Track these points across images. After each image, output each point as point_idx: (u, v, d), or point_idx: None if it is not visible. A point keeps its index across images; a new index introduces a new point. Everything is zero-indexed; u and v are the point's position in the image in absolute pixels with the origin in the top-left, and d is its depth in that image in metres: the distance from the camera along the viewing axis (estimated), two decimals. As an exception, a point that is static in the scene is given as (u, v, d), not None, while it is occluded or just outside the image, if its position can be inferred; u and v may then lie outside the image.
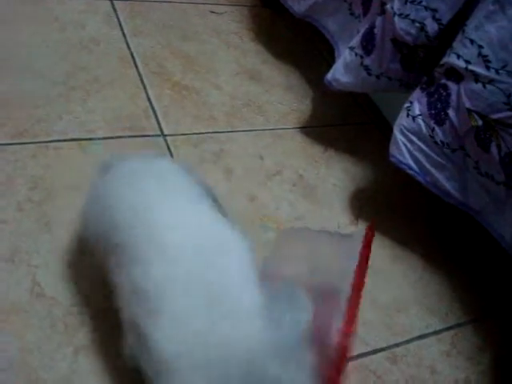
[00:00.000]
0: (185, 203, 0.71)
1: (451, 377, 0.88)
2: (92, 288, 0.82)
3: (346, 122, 1.31)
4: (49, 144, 1.00)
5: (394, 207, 1.12)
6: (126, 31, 1.32)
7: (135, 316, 0.63)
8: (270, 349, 0.60)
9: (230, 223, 0.71)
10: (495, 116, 0.81)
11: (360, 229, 0.80)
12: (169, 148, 1.07)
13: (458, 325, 0.95)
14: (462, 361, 0.90)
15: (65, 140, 1.02)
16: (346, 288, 0.69)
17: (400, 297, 0.96)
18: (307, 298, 0.66)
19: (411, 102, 0.94)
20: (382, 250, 1.02)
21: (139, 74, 1.22)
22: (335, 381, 0.62)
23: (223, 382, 0.58)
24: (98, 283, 0.81)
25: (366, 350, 0.87)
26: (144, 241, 0.65)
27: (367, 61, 1.02)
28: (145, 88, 1.19)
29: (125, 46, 1.28)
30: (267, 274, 0.73)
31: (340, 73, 1.07)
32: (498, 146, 0.83)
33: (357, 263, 0.73)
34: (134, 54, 1.26)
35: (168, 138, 1.10)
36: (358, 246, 0.77)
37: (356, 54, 1.04)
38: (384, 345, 0.89)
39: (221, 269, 0.65)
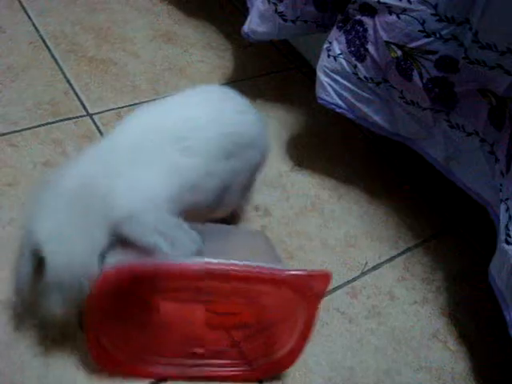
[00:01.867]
0: None
1: (410, 299, 0.92)
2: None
3: (271, 71, 1.31)
4: (-28, 145, 0.97)
5: (331, 148, 1.14)
6: (30, 13, 1.26)
7: None
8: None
9: None
10: (413, 44, 0.83)
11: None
12: (97, 127, 1.05)
13: (409, 249, 0.99)
14: (417, 283, 0.95)
15: (-12, 137, 0.98)
16: None
17: (349, 233, 0.99)
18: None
19: (330, 42, 0.95)
20: (326, 191, 1.05)
21: (52, 56, 1.17)
22: None
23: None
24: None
25: (327, 290, 0.89)
26: None
27: (281, 7, 1.02)
28: (61, 69, 1.15)
29: (32, 28, 1.23)
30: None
31: (256, 23, 1.06)
32: (420, 74, 0.85)
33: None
34: (44, 36, 1.22)
35: (94, 116, 1.07)
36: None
37: (269, 2, 1.03)
38: (342, 281, 0.92)
39: None
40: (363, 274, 0.93)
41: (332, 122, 1.17)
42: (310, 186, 1.04)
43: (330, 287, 0.90)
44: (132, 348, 0.71)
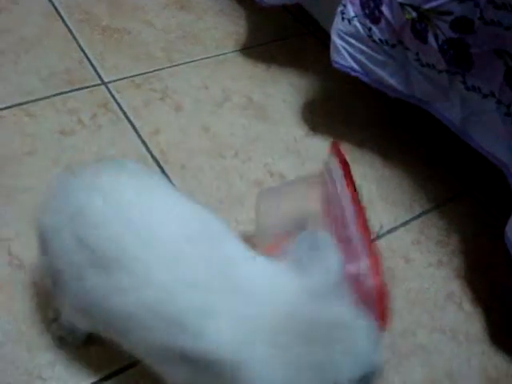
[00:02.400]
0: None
1: (424, 262, 0.93)
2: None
3: (284, 37, 1.30)
4: (-10, 115, 0.98)
5: (346, 112, 1.14)
6: (42, -17, 1.26)
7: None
8: (306, 295, 0.59)
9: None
10: (428, 6, 0.82)
11: (329, 161, 0.78)
12: (112, 95, 1.06)
13: (424, 212, 1.00)
14: (432, 245, 0.95)
15: (5, 108, 1.00)
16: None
17: (365, 197, 0.99)
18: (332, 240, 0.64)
19: (344, 6, 0.94)
20: (341, 156, 1.05)
21: (66, 26, 1.18)
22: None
23: (271, 338, 0.57)
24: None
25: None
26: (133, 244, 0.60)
27: (294, -30, 1.01)
28: (75, 38, 1.16)
29: (45, -2, 1.23)
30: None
31: (269, -13, 1.06)
32: (435, 35, 0.84)
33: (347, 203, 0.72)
34: (57, 6, 1.22)
35: (109, 84, 1.08)
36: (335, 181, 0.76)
37: (281, -35, 1.02)
38: (358, 244, 0.93)
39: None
40: (379, 237, 0.94)
41: (346, 87, 1.17)
42: (324, 151, 1.04)
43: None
44: None
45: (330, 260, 0.62)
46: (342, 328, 0.58)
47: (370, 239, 0.69)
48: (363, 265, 0.67)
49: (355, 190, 0.73)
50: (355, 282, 0.67)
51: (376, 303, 0.65)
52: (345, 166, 0.75)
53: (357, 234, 0.70)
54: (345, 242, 0.69)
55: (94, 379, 0.71)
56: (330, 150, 0.79)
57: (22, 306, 0.76)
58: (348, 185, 0.73)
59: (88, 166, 0.67)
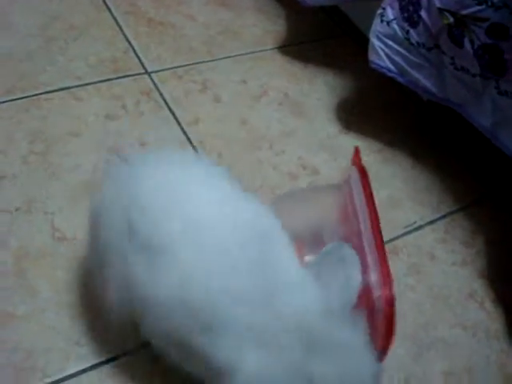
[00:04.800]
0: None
1: (449, 260, 0.95)
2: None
3: (321, 37, 1.34)
4: (39, 96, 1.03)
5: (379, 113, 1.17)
6: (91, -26, 1.32)
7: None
8: (325, 314, 0.60)
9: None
10: (465, 12, 0.84)
11: (350, 171, 0.80)
12: (155, 84, 1.10)
13: (450, 213, 1.02)
14: (457, 245, 0.98)
15: (54, 90, 1.04)
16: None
17: (393, 195, 1.03)
18: (355, 254, 0.65)
19: (384, 8, 0.97)
20: (372, 154, 1.08)
21: (113, 16, 1.23)
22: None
23: (287, 354, 0.59)
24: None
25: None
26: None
27: (336, -27, 1.05)
28: (121, 29, 1.20)
29: (93, -12, 1.28)
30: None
31: (311, -12, 1.09)
32: (471, 41, 0.87)
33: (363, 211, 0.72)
34: (104, -4, 1.27)
35: (152, 74, 1.13)
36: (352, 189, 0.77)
37: (324, -32, 1.06)
38: (385, 239, 0.95)
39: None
40: (405, 234, 0.97)
41: (379, 88, 1.20)
42: (356, 148, 1.08)
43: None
44: None
45: (353, 279, 0.63)
46: (345, 351, 0.60)
47: (382, 247, 0.68)
48: (373, 276, 0.66)
49: (371, 197, 0.73)
50: (363, 293, 0.66)
51: (383, 318, 0.64)
52: (363, 173, 0.75)
53: (368, 241, 0.69)
54: (357, 250, 0.69)
55: (130, 347, 0.75)
56: (353, 158, 0.79)
57: (63, 276, 0.80)
58: (364, 191, 0.73)
59: (140, 154, 0.70)
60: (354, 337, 0.61)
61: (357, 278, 0.63)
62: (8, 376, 0.70)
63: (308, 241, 0.76)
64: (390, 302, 0.63)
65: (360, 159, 0.77)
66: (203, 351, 0.59)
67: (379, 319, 0.64)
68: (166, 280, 0.59)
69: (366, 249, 0.69)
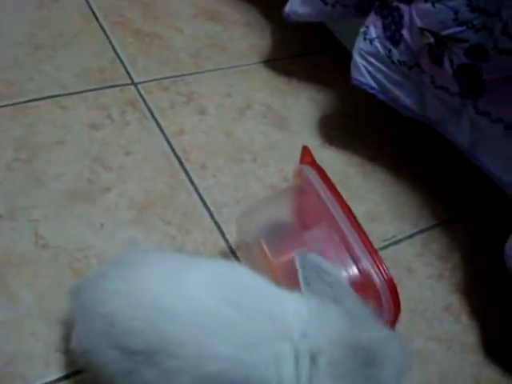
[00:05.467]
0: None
1: (426, 274, 0.97)
2: (91, 230, 0.88)
3: (306, 53, 1.36)
4: (26, 104, 1.04)
5: (360, 128, 1.19)
6: (79, -16, 1.33)
7: None
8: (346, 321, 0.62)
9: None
10: (445, 32, 0.87)
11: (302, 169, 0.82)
12: (141, 95, 1.12)
13: (428, 228, 1.04)
14: (434, 260, 1.00)
15: (41, 98, 1.05)
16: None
17: (373, 209, 1.05)
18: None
19: (367, 27, 1.00)
20: (353, 168, 1.10)
21: (101, 26, 1.24)
22: None
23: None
24: (96, 228, 0.88)
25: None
26: None
27: (322, -9, 1.07)
28: (108, 39, 1.22)
29: (82, -1, 1.30)
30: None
31: (297, 4, 1.11)
32: (450, 60, 0.89)
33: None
34: (93, 7, 1.28)
35: (139, 85, 1.14)
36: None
37: (310, -15, 1.08)
38: (363, 253, 0.97)
39: None
40: (383, 247, 0.99)
41: (361, 105, 1.22)
42: (337, 162, 1.10)
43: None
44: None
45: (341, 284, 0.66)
46: (380, 350, 0.61)
47: (366, 238, 0.73)
48: (365, 264, 0.72)
49: (337, 191, 0.77)
50: (359, 282, 0.72)
51: (389, 296, 0.71)
52: (321, 170, 0.79)
53: (351, 234, 0.74)
54: (339, 245, 0.75)
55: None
56: (302, 157, 0.83)
57: (45, 283, 0.80)
58: (328, 187, 0.77)
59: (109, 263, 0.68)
60: (382, 333, 0.63)
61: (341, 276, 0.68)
62: (-13, 381, 0.70)
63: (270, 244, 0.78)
64: (390, 277, 0.71)
65: (313, 157, 0.81)
66: None
67: (385, 295, 0.71)
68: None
69: (350, 239, 0.73)
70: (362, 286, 0.71)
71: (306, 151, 0.83)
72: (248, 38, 1.34)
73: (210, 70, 1.22)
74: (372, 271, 0.71)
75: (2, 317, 0.76)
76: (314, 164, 0.81)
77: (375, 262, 0.71)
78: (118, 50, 1.20)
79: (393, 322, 0.73)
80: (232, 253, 0.91)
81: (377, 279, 0.71)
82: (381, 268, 0.71)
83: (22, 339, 0.74)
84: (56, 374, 0.72)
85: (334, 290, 0.65)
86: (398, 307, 0.72)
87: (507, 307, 0.95)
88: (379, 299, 0.71)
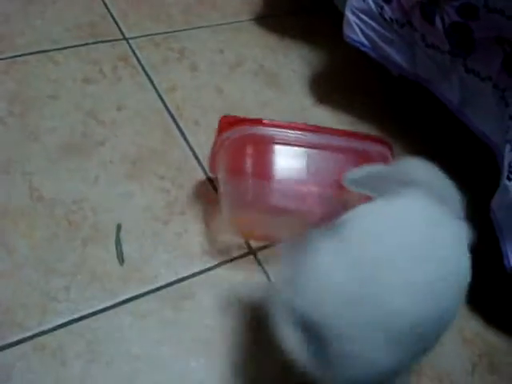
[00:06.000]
0: None
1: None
2: (86, 184, 0.89)
3: (298, 11, 1.36)
4: (17, 59, 1.04)
5: (351, 86, 1.20)
6: None
7: None
8: None
9: None
10: (437, -11, 0.88)
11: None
12: (133, 50, 1.12)
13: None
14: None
15: (32, 53, 1.05)
16: None
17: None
18: None
19: (360, -16, 1.00)
20: (343, 127, 1.10)
21: (91, -19, 1.23)
22: None
23: None
24: (91, 181, 0.89)
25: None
26: None
27: None
28: (99, -6, 1.21)
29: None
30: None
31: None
32: (442, 18, 0.90)
33: None
34: (82, -39, 1.27)
35: (130, 40, 1.14)
36: None
37: None
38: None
39: None
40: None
41: (353, 63, 1.23)
42: (329, 121, 1.11)
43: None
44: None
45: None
46: None
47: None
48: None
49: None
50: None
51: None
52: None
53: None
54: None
55: (108, 303, 0.77)
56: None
57: (41, 234, 0.82)
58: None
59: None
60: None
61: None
62: (-14, 329, 0.72)
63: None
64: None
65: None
66: None
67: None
68: None
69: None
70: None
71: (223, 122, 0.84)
72: (239, -5, 1.33)
73: (202, 27, 1.22)
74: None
75: (0, 267, 0.77)
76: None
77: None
78: (109, 6, 1.19)
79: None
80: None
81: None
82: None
83: (19, 289, 0.76)
84: (53, 322, 0.74)
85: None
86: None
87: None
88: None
